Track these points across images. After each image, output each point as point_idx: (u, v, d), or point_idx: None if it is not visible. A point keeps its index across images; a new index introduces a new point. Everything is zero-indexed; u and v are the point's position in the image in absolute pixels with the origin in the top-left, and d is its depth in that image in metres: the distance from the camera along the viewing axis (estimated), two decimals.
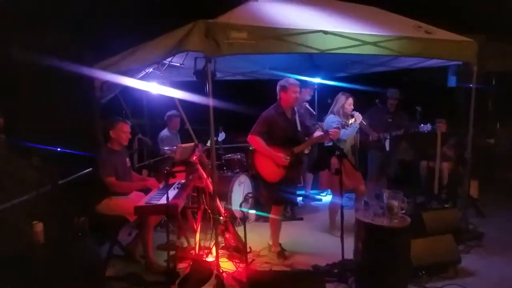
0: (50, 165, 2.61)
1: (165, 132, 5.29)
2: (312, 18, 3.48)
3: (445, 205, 5.02)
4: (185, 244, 3.89)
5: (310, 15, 3.54)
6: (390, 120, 5.01)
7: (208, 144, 4.75)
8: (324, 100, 4.89)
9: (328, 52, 3.31)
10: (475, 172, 4.39)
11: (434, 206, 5.06)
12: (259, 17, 3.25)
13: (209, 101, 3.08)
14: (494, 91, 6.23)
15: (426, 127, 4.90)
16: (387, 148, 5.01)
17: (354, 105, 4.20)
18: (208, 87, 3.08)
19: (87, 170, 3.38)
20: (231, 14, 3.20)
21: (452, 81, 4.27)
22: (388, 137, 4.95)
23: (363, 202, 3.41)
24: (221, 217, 3.51)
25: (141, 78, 4.13)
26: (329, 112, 4.27)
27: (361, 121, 3.98)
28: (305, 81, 5.35)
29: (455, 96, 4.79)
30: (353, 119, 3.86)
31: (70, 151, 2.19)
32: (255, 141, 3.66)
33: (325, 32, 3.26)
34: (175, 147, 4.91)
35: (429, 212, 4.04)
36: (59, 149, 2.16)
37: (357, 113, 3.97)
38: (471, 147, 4.25)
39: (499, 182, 6.29)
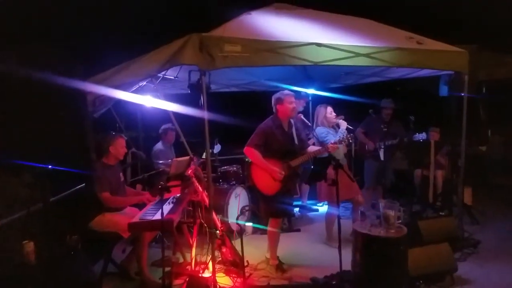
0: (41, 182, 2.56)
1: (159, 146, 5.24)
2: (305, 30, 3.51)
3: (440, 213, 5.02)
4: (181, 260, 3.83)
5: (303, 28, 3.57)
6: (385, 129, 5.04)
7: (204, 156, 4.75)
8: None
9: (322, 64, 3.33)
10: (468, 180, 4.42)
11: (430, 214, 5.07)
12: (252, 30, 3.27)
13: (204, 114, 3.06)
14: (485, 99, 6.31)
15: (421, 136, 4.94)
16: (382, 158, 5.03)
17: (349, 116, 4.24)
18: (203, 100, 3.07)
19: (80, 186, 3.33)
20: (224, 27, 3.22)
21: (444, 91, 4.30)
22: (383, 147, 4.97)
23: (359, 212, 3.40)
24: (218, 231, 3.47)
25: (135, 91, 4.10)
26: (314, 126, 4.29)
27: (350, 129, 4.02)
28: (298, 92, 5.38)
29: (447, 105, 4.83)
30: (342, 129, 3.89)
31: (62, 168, 2.14)
32: (251, 153, 3.64)
33: (319, 45, 3.29)
34: (169, 161, 4.90)
35: (425, 220, 4.07)
36: (50, 167, 2.11)
37: (342, 120, 4.02)
38: (464, 155, 4.28)
39: (492, 189, 6.34)
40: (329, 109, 4.25)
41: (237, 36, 3.11)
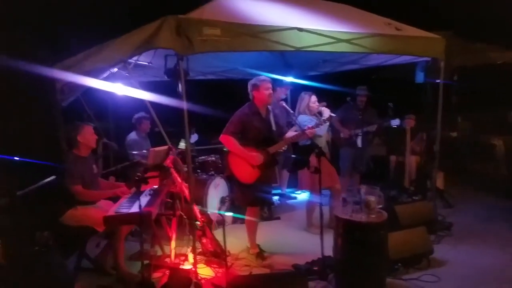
0: (7, 175, 2.36)
1: (132, 136, 5.04)
2: (285, 15, 3.41)
3: (414, 198, 5.15)
4: (159, 253, 3.72)
5: (284, 12, 3.47)
6: (360, 116, 5.08)
7: (180, 146, 4.61)
8: (297, 99, 4.86)
9: (303, 49, 3.26)
10: (440, 165, 4.54)
11: (404, 199, 5.18)
12: (232, 14, 3.13)
13: (183, 102, 2.93)
14: (455, 85, 6.48)
15: (395, 122, 5.01)
16: (359, 145, 5.07)
17: (327, 104, 4.21)
18: (181, 87, 2.93)
19: (49, 179, 3.13)
20: (203, 9, 3.07)
21: (420, 77, 4.36)
22: (360, 134, 5.00)
23: (341, 198, 3.40)
24: (198, 222, 3.37)
25: (105, 79, 3.89)
26: (296, 113, 4.24)
27: (332, 117, 3.99)
28: (281, 80, 5.32)
29: (421, 92, 4.92)
30: (326, 117, 3.86)
31: (30, 160, 1.97)
32: (228, 141, 3.55)
33: (300, 30, 3.21)
34: (145, 151, 4.71)
35: (401, 205, 4.13)
36: (17, 158, 1.94)
37: (325, 108, 3.99)
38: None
39: (463, 173, 6.58)
40: (314, 98, 4.19)
41: (217, 19, 2.97)
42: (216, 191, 4.63)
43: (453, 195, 5.37)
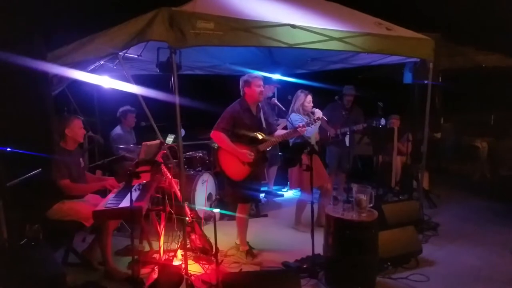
0: None
1: (117, 130, 4.95)
2: (279, 11, 3.40)
3: (400, 197, 5.23)
4: (147, 248, 3.66)
5: (278, 8, 3.46)
6: (347, 116, 5.12)
7: (167, 141, 4.54)
8: (284, 97, 4.86)
9: (296, 46, 3.25)
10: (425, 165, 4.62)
11: (391, 198, 5.26)
12: (225, 8, 3.10)
13: (175, 96, 2.89)
14: (439, 87, 6.61)
15: (381, 121, 5.07)
16: (347, 144, 5.11)
17: (313, 102, 4.22)
18: (174, 81, 2.88)
19: (35, 172, 3.03)
20: (196, 2, 3.02)
21: (408, 78, 4.42)
22: (348, 133, 5.04)
23: (332, 197, 3.42)
24: (187, 218, 3.33)
25: (92, 71, 3.79)
26: (289, 111, 4.25)
27: (321, 117, 4.00)
28: (269, 78, 5.30)
29: (408, 92, 5.00)
30: (316, 116, 3.87)
31: (21, 151, 1.91)
32: (219, 137, 3.52)
33: (293, 26, 3.20)
34: (131, 146, 4.63)
35: (389, 204, 4.16)
36: (8, 149, 1.87)
37: (317, 109, 3.99)
38: (422, 141, 4.45)
39: (446, 173, 6.73)
40: (309, 97, 4.17)
41: (210, 12, 2.93)
42: (204, 187, 4.59)
43: (437, 195, 5.49)
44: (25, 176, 2.49)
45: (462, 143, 6.77)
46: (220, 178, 4.18)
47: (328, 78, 5.65)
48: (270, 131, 3.78)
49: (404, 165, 5.55)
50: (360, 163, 5.56)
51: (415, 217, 4.05)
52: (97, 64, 3.58)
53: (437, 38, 4.14)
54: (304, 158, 3.52)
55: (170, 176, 3.28)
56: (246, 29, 3.04)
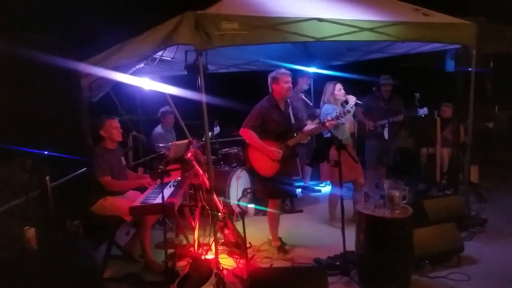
0: (39, 168, 2.52)
1: (158, 129, 5.20)
2: (305, 5, 3.36)
3: (446, 192, 4.96)
4: (184, 242, 3.83)
5: (303, 2, 3.42)
6: (386, 107, 4.92)
7: (204, 139, 4.69)
8: (320, 90, 4.79)
9: (324, 40, 3.21)
10: (474, 157, 4.32)
11: (435, 193, 5.01)
12: (249, 7, 3.13)
13: (202, 96, 2.98)
14: (492, 74, 6.13)
15: (423, 111, 4.81)
16: (386, 136, 4.93)
17: (351, 94, 4.11)
18: (200, 82, 2.98)
19: (81, 171, 3.30)
20: (221, 4, 3.09)
21: (450, 66, 4.16)
22: (387, 125, 4.86)
23: (363, 193, 3.33)
24: (219, 213, 3.44)
25: (133, 74, 4.02)
26: (321, 103, 4.18)
27: (358, 104, 3.88)
28: (302, 70, 5.25)
29: (453, 80, 4.70)
30: (349, 104, 3.77)
31: (57, 154, 2.10)
32: (248, 134, 3.57)
33: (320, 20, 3.16)
34: (170, 144, 4.85)
35: (431, 200, 4.00)
36: (46, 152, 2.07)
37: (351, 96, 3.89)
38: (471, 132, 4.18)
39: (498, 165, 6.24)
40: (338, 86, 4.09)
41: (234, 13, 2.99)
42: (238, 183, 4.69)
43: (489, 189, 5.13)
44: (70, 175, 2.72)
45: None
46: (252, 174, 4.24)
47: (366, 68, 5.47)
48: (299, 126, 3.77)
49: (452, 157, 5.25)
50: (401, 156, 5.33)
51: (459, 213, 3.85)
52: (135, 68, 3.79)
53: (481, 22, 3.85)
54: (333, 153, 3.46)
55: (202, 173, 3.39)
56: (270, 26, 3.06)
